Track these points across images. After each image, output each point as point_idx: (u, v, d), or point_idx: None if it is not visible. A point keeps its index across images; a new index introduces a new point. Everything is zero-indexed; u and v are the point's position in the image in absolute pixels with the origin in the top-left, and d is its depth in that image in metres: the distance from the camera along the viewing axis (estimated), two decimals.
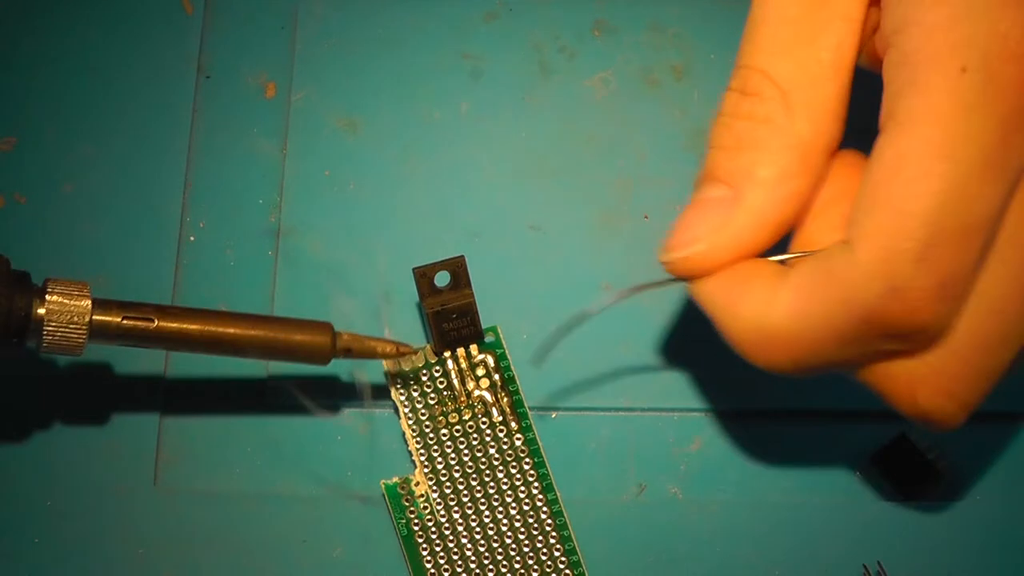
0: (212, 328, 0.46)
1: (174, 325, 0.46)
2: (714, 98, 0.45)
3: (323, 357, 0.47)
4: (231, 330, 0.47)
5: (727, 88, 0.43)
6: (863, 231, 0.41)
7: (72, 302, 0.45)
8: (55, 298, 0.45)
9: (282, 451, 0.50)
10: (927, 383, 0.43)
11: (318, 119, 0.55)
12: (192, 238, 0.53)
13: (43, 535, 0.49)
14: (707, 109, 0.53)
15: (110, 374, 0.51)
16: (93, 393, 0.51)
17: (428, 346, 0.51)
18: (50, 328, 0.45)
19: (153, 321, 0.46)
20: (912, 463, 0.50)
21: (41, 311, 0.45)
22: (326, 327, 0.47)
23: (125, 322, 0.46)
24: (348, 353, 0.48)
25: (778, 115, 0.42)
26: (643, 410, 0.51)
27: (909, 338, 0.42)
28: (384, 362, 0.50)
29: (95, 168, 0.54)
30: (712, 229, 0.43)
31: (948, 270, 0.41)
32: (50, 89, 0.55)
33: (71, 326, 0.45)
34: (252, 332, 0.47)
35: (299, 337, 0.47)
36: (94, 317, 0.45)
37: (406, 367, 0.50)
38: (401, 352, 0.48)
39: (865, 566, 0.48)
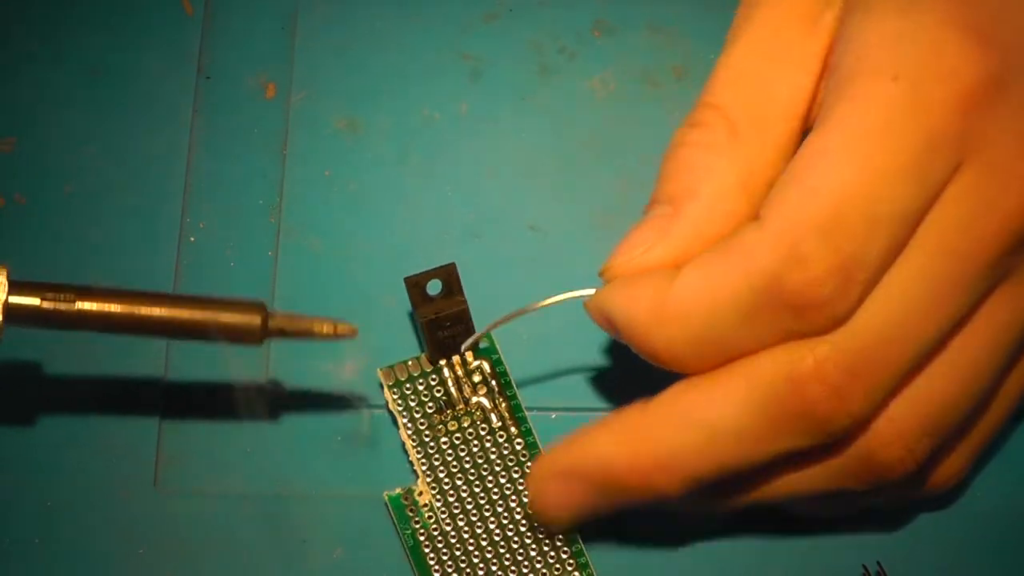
0: (136, 309, 0.45)
1: (96, 307, 0.44)
2: None
3: (254, 338, 0.45)
4: (156, 311, 0.45)
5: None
6: (773, 205, 0.42)
7: None
8: None
9: (282, 451, 0.50)
10: (829, 360, 0.43)
11: (318, 119, 0.55)
12: (192, 238, 0.53)
13: (43, 535, 0.49)
14: None
15: (110, 374, 0.51)
16: (93, 393, 0.51)
17: (423, 355, 0.50)
18: None
19: (74, 303, 0.44)
20: None
21: None
22: (258, 306, 0.45)
23: (44, 304, 0.44)
24: (282, 334, 0.46)
25: (722, 142, 0.44)
26: None
27: (809, 313, 0.42)
28: (379, 373, 0.50)
29: (95, 168, 0.54)
30: (650, 241, 0.44)
31: (850, 251, 0.42)
32: (50, 89, 0.55)
33: None
34: (179, 313, 0.45)
35: (228, 318, 0.45)
36: (10, 299, 0.44)
37: (401, 376, 0.50)
38: (339, 332, 0.46)
39: (865, 566, 0.48)
